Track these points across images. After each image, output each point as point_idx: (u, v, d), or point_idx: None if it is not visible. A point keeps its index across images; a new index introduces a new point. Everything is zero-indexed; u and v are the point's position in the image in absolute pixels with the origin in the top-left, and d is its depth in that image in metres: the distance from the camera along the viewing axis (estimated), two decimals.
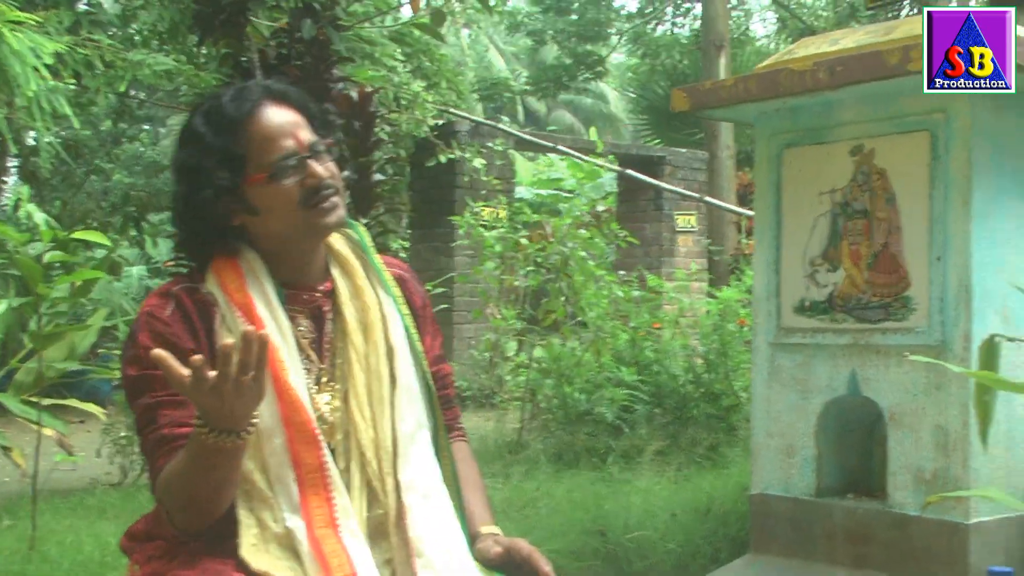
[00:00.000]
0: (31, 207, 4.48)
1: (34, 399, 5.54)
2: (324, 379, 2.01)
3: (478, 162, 11.12)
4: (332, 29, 5.15)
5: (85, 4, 9.76)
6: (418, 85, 11.52)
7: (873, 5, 4.18)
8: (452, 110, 12.25)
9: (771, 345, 4.07)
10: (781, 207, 4.06)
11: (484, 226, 8.43)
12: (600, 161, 13.40)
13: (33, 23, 6.99)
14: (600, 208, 11.09)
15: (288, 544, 1.87)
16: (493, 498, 4.95)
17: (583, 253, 6.86)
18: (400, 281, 2.15)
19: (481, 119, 13.53)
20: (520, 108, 25.40)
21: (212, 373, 1.66)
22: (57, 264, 4.77)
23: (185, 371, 1.66)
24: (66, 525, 4.90)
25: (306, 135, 1.99)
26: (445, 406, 2.19)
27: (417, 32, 12.35)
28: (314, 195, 1.95)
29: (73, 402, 5.78)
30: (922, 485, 3.65)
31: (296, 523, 1.86)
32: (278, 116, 1.98)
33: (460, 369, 10.56)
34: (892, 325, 3.74)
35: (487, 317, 8.19)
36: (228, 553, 1.86)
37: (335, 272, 2.07)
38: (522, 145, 13.18)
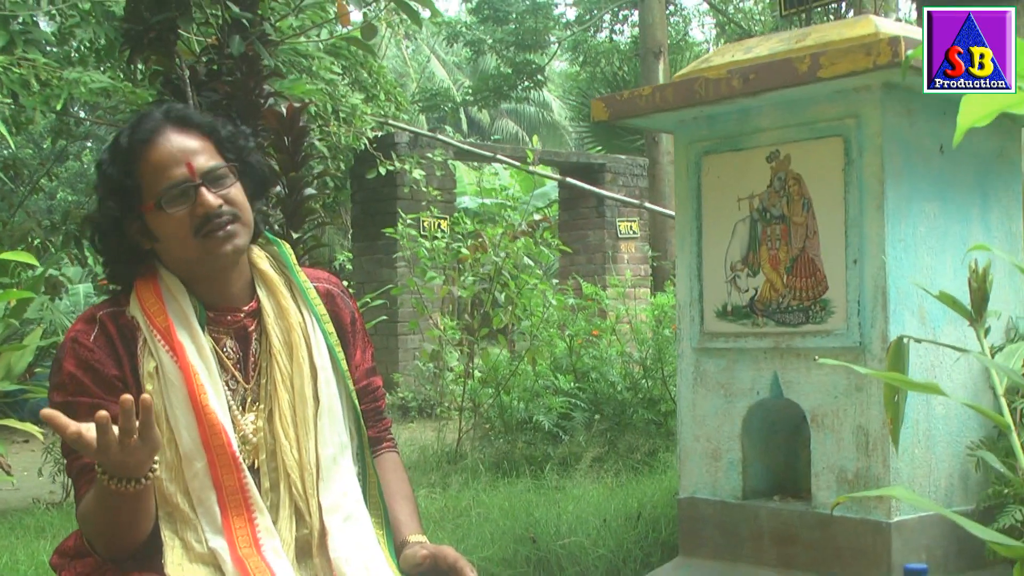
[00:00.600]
0: None
1: None
2: (249, 399, 2.03)
3: (417, 173, 11.13)
4: (260, 45, 5.15)
5: (20, 23, 9.68)
6: (356, 97, 11.54)
7: (787, 13, 4.24)
8: (391, 122, 12.27)
9: (695, 350, 4.11)
10: (701, 213, 4.10)
11: (425, 237, 8.44)
12: (540, 170, 13.49)
13: None
14: (537, 217, 11.12)
15: (212, 563, 1.89)
16: (428, 508, 4.99)
17: (528, 261, 6.90)
18: (327, 297, 2.16)
19: (420, 130, 13.54)
20: (463, 118, 25.42)
21: (93, 436, 1.67)
22: None
23: (73, 427, 1.67)
24: (2, 545, 4.87)
25: (203, 161, 1.98)
26: (376, 418, 2.23)
27: (354, 48, 12.37)
28: (205, 224, 1.95)
29: (11, 422, 5.74)
30: (845, 485, 3.70)
31: (219, 543, 1.89)
32: (174, 143, 1.98)
33: (404, 380, 10.57)
34: (812, 328, 3.79)
35: (428, 328, 8.21)
36: (157, 569, 1.89)
37: (260, 291, 2.08)
38: (461, 155, 13.21)
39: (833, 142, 3.74)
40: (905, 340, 2.65)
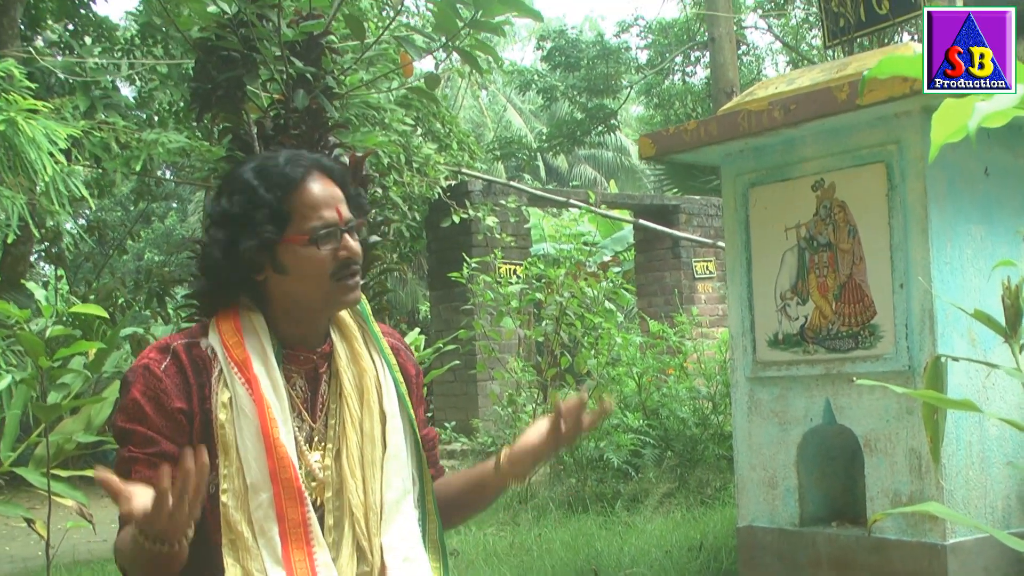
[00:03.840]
0: (31, 284, 4.63)
1: (56, 471, 5.66)
2: (316, 438, 2.09)
3: (491, 220, 11.26)
4: (324, 97, 5.31)
5: (100, 88, 10.02)
6: (429, 147, 11.71)
7: (831, 44, 4.29)
8: (464, 170, 12.42)
9: (749, 379, 4.15)
10: (750, 244, 4.15)
11: (500, 283, 8.54)
12: (613, 213, 13.55)
13: (48, 110, 7.21)
14: (606, 258, 11.17)
15: None
16: (495, 545, 5.05)
17: (591, 298, 6.94)
18: (394, 351, 2.23)
19: (493, 178, 13.69)
20: (541, 165, 25.56)
21: (146, 505, 1.74)
22: (62, 338, 4.91)
23: (125, 496, 1.75)
24: None
25: (345, 210, 2.07)
26: (435, 463, 2.30)
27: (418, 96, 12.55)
28: (344, 268, 2.04)
29: (91, 472, 5.88)
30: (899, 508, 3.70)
31: (278, 574, 1.95)
32: (325, 187, 2.06)
33: (484, 425, 10.63)
34: (861, 353, 3.82)
35: (500, 371, 8.29)
36: None
37: (334, 335, 2.14)
38: (535, 201, 13.31)
39: (876, 168, 3.78)
40: (943, 359, 2.68)
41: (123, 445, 2.01)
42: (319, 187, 2.05)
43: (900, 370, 3.69)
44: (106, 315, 4.35)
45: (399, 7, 5.19)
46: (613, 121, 17.45)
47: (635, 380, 6.95)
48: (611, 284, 7.08)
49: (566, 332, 6.83)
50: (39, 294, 4.43)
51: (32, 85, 7.27)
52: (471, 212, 11.47)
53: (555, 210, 16.91)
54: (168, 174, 13.98)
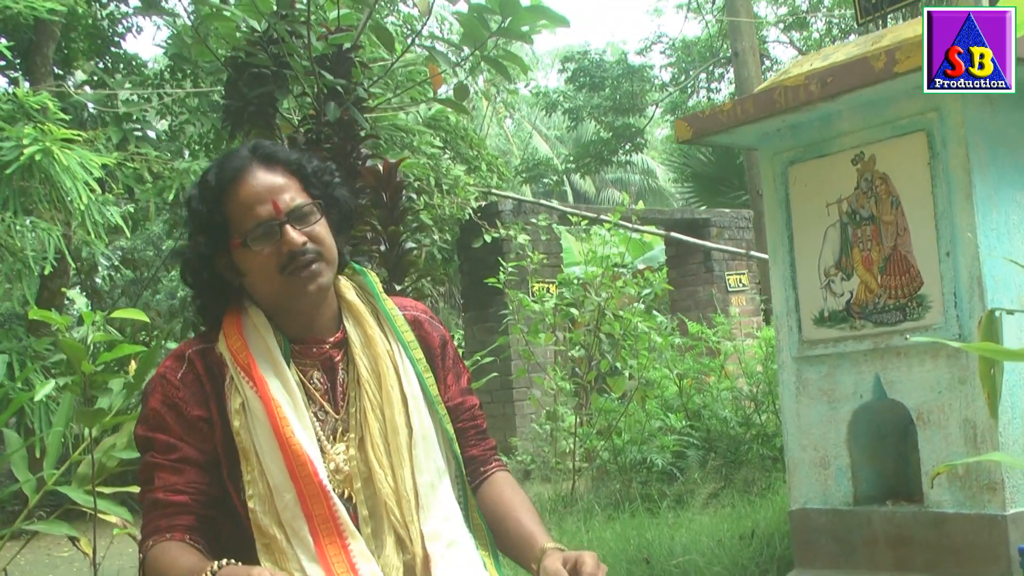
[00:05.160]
0: (73, 292, 4.64)
1: (99, 488, 5.67)
2: (340, 429, 2.05)
3: (522, 238, 11.27)
4: (356, 110, 5.32)
5: (133, 121, 10.10)
6: (458, 169, 11.74)
7: (864, 20, 4.26)
8: (493, 191, 12.42)
9: (795, 359, 4.09)
10: (791, 223, 4.11)
11: (534, 301, 8.52)
12: (644, 228, 13.50)
13: (82, 139, 7.26)
14: (640, 266, 11.13)
15: None
16: None
17: (642, 314, 6.91)
18: (414, 323, 2.16)
19: (522, 197, 13.70)
20: (569, 190, 25.59)
21: None
22: (102, 345, 4.92)
23: None
24: None
25: (288, 199, 2.01)
26: (479, 437, 2.22)
27: (453, 119, 12.61)
28: (290, 262, 1.98)
29: (134, 488, 5.90)
30: (956, 481, 3.64)
31: (315, 571, 1.90)
32: (260, 181, 2.01)
33: (522, 444, 10.58)
34: (910, 325, 3.76)
35: (544, 379, 8.27)
36: None
37: (347, 322, 2.10)
38: (565, 220, 13.30)
39: (916, 137, 3.74)
40: (997, 313, 2.63)
41: (145, 452, 1.99)
42: (252, 184, 2.00)
43: (951, 339, 3.63)
44: (146, 318, 4.34)
45: (427, 14, 5.17)
46: (640, 140, 17.44)
47: (675, 382, 6.89)
48: (648, 284, 7.05)
49: (605, 332, 6.78)
50: (80, 302, 4.42)
51: (66, 118, 7.33)
52: (502, 232, 11.47)
53: (583, 233, 16.91)
54: None
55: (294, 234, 1.98)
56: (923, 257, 3.73)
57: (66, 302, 13.95)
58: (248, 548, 1.97)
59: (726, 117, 4.11)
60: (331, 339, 2.08)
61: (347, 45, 5.96)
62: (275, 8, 6.11)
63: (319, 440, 2.01)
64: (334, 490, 1.97)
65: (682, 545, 4.34)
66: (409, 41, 8.38)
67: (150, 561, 1.94)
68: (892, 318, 3.82)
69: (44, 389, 4.67)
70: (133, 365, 5.80)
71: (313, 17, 5.77)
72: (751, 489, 6.13)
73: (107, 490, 6.01)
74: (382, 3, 10.85)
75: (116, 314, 4.37)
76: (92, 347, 4.73)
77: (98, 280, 13.53)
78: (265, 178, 2.02)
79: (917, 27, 3.75)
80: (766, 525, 4.51)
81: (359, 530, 1.97)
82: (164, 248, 16.37)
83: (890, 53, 3.59)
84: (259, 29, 6.13)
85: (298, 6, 5.95)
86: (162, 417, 1.98)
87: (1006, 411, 3.60)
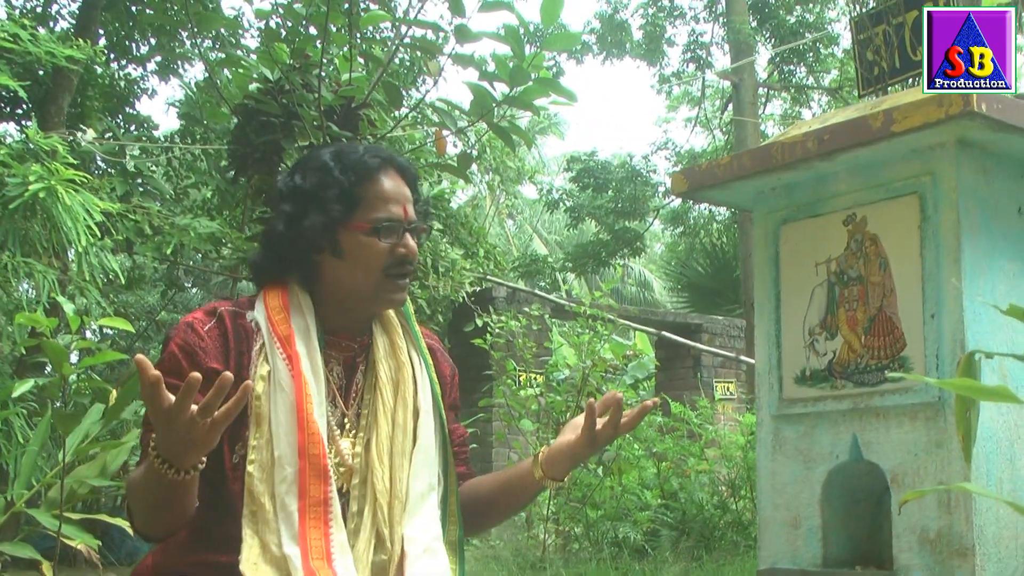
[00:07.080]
0: (61, 299, 4.65)
1: (67, 514, 5.61)
2: (347, 425, 2.13)
3: (513, 324, 11.29)
4: None
5: (138, 178, 10.19)
6: (456, 252, 11.82)
7: (865, 92, 4.33)
8: (489, 277, 12.49)
9: (774, 417, 4.07)
10: (779, 281, 4.13)
11: (520, 388, 8.54)
12: (639, 326, 13.52)
13: (87, 183, 7.31)
14: (628, 353, 11.14)
15: (284, 569, 1.93)
16: None
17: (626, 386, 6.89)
18: (432, 352, 2.29)
19: (517, 286, 13.76)
20: (563, 292, 25.72)
21: (171, 397, 1.76)
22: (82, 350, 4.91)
23: (155, 373, 1.75)
24: None
25: (412, 211, 2.15)
26: (464, 458, 2.36)
27: (456, 207, 12.74)
28: (399, 265, 2.11)
29: (102, 516, 5.84)
30: (927, 546, 3.60)
31: (292, 550, 1.94)
32: (398, 183, 2.15)
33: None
34: (890, 386, 3.75)
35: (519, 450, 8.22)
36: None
37: (376, 329, 2.20)
38: (558, 313, 13.33)
39: (909, 200, 3.77)
40: (977, 356, 2.63)
41: None
42: (391, 182, 2.15)
43: (930, 402, 3.62)
44: (131, 328, 4.35)
45: (437, 74, 5.26)
46: (639, 244, 17.61)
47: (654, 464, 6.85)
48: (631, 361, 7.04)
49: (585, 400, 6.75)
50: (67, 308, 4.43)
51: (74, 162, 7.40)
52: (494, 318, 11.52)
53: (577, 333, 16.94)
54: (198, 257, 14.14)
55: (413, 243, 2.13)
56: (908, 318, 3.74)
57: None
58: (218, 509, 2.00)
59: (723, 171, 4.14)
60: (359, 340, 2.18)
61: (356, 103, 6.04)
62: (289, 60, 6.22)
63: (330, 428, 2.08)
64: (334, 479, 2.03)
65: None
66: (417, 101, 8.48)
67: (127, 484, 2.02)
68: (873, 379, 3.81)
69: (22, 387, 4.65)
70: (114, 394, 5.78)
71: (324, 74, 5.86)
72: (723, 570, 6.06)
73: (75, 516, 5.94)
74: (401, 72, 10.99)
75: (102, 322, 4.38)
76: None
77: (88, 334, 13.53)
78: (401, 183, 2.16)
79: (917, 93, 3.81)
80: None
81: (345, 523, 2.02)
82: (158, 318, 16.38)
83: (887, 113, 3.63)
84: (271, 78, 6.22)
85: (312, 58, 6.03)
86: (178, 361, 2.02)
87: (980, 477, 3.57)
